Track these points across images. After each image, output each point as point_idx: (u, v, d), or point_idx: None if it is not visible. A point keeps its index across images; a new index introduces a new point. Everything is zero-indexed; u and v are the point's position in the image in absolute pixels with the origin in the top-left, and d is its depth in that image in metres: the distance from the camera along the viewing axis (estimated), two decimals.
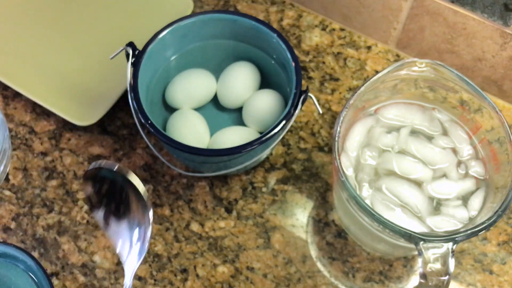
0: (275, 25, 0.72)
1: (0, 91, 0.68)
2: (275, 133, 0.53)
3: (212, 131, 0.61)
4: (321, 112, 0.56)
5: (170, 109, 0.63)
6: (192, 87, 0.61)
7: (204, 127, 0.60)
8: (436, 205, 0.52)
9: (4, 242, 0.51)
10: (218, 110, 0.64)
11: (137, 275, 0.58)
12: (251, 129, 0.60)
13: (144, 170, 0.63)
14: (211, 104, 0.64)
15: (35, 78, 0.66)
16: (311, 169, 0.63)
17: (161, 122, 0.62)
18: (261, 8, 0.73)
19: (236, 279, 0.58)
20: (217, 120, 0.63)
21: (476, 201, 0.52)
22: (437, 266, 0.45)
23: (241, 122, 0.62)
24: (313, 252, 0.59)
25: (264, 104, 0.59)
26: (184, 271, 0.58)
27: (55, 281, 0.58)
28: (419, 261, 0.45)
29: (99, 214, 0.53)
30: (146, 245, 0.51)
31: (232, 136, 0.59)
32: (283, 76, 0.61)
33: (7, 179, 0.63)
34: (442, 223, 0.51)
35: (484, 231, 0.46)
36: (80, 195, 0.62)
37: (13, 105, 0.67)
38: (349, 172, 0.53)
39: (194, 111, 0.61)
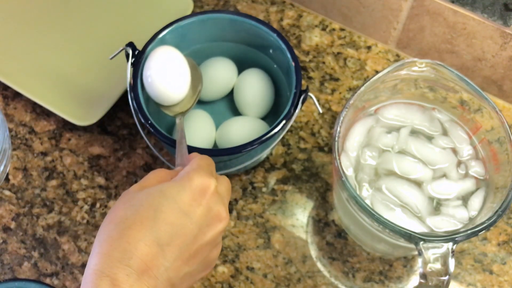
0: (275, 25, 0.72)
1: (0, 91, 0.68)
2: (275, 133, 0.53)
3: (219, 121, 0.62)
4: (321, 111, 0.56)
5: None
6: (214, 76, 0.62)
7: (210, 125, 0.60)
8: (436, 205, 0.52)
9: (40, 281, 0.52)
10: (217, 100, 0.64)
11: None
12: (251, 118, 0.61)
13: (144, 170, 0.63)
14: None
15: (35, 78, 0.66)
16: (311, 169, 0.63)
17: (164, 123, 0.62)
18: (261, 8, 0.73)
19: (236, 279, 0.58)
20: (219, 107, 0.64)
21: (476, 201, 0.52)
22: (437, 266, 0.45)
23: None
24: (313, 252, 0.59)
25: (251, 89, 0.61)
26: None
27: (55, 281, 0.58)
28: (419, 261, 0.45)
29: None
30: None
31: (238, 129, 0.59)
32: (282, 76, 0.61)
33: (7, 179, 0.63)
34: (442, 223, 0.51)
35: (484, 231, 0.46)
36: (80, 195, 0.62)
37: (13, 105, 0.67)
38: (349, 172, 0.53)
39: (201, 111, 0.61)
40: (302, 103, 0.55)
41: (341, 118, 0.51)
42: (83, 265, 0.58)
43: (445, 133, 0.56)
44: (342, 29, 0.72)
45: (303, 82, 0.68)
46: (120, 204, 0.41)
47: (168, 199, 0.40)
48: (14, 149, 0.64)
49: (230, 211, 0.61)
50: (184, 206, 0.40)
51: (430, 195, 0.53)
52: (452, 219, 0.51)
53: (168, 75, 0.55)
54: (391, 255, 0.59)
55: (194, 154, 0.47)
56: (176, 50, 0.56)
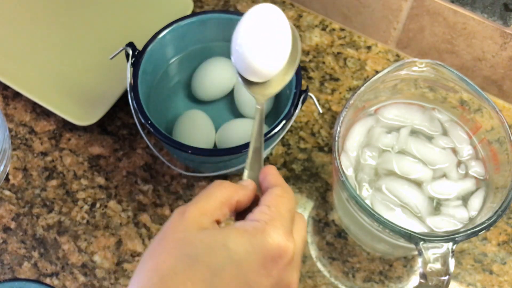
0: None
1: (0, 91, 0.68)
2: (275, 133, 0.53)
3: (219, 121, 0.62)
4: (321, 111, 0.56)
5: (175, 110, 0.63)
6: (215, 76, 0.62)
7: (209, 126, 0.61)
8: (436, 205, 0.52)
9: (40, 282, 0.52)
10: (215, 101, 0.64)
11: None
12: (252, 120, 0.61)
13: (144, 170, 0.63)
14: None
15: (35, 78, 0.66)
16: (311, 169, 0.63)
17: (164, 123, 0.62)
18: None
19: None
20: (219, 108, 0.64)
21: (476, 201, 0.52)
22: (437, 266, 0.45)
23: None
24: (313, 252, 0.59)
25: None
26: None
27: (55, 281, 0.58)
28: (419, 261, 0.45)
29: None
30: None
31: (238, 130, 0.59)
32: None
33: (7, 179, 0.63)
34: (442, 223, 0.51)
35: (484, 231, 0.46)
36: (80, 195, 0.62)
37: (13, 105, 0.67)
38: (349, 172, 0.53)
39: (200, 111, 0.61)
40: (302, 103, 0.55)
41: (341, 118, 0.51)
42: (83, 265, 0.58)
43: (445, 133, 0.56)
44: (342, 29, 0.72)
45: (303, 82, 0.68)
46: (170, 244, 0.33)
47: (232, 261, 0.32)
48: (14, 149, 0.64)
49: None
50: (250, 275, 0.33)
51: (430, 195, 0.53)
52: (452, 219, 0.51)
53: (264, 41, 0.44)
54: (391, 255, 0.59)
55: (273, 176, 0.38)
56: (279, 9, 0.45)
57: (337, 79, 0.68)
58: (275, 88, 0.46)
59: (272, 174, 0.38)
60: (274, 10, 0.45)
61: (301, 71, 0.56)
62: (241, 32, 0.45)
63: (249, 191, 0.38)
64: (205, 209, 0.35)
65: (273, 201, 0.36)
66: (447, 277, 0.45)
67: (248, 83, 0.46)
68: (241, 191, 0.37)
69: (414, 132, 0.56)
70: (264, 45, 0.44)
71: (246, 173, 0.40)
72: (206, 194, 0.36)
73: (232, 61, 0.46)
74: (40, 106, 0.66)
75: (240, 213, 0.39)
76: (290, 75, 0.46)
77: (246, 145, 0.53)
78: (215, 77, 0.62)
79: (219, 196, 0.36)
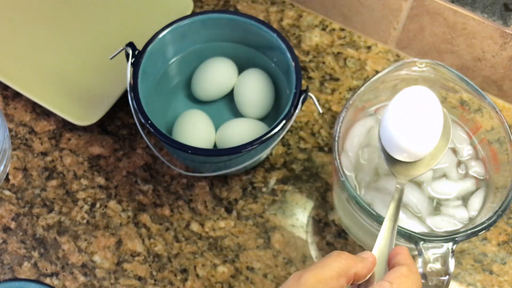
0: (275, 25, 0.72)
1: (0, 91, 0.68)
2: (275, 133, 0.53)
3: (219, 121, 0.62)
4: (321, 111, 0.56)
5: (175, 110, 0.63)
6: (215, 77, 0.62)
7: (209, 126, 0.61)
8: (436, 205, 0.52)
9: (40, 282, 0.52)
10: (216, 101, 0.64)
11: (137, 275, 0.58)
12: (252, 120, 0.61)
13: (144, 170, 0.63)
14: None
15: (35, 78, 0.66)
16: (311, 169, 0.63)
17: (165, 123, 0.62)
18: (261, 8, 0.73)
19: (236, 279, 0.58)
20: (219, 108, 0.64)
21: (476, 201, 0.52)
22: (437, 266, 0.45)
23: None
24: (313, 252, 0.59)
25: (251, 89, 0.61)
26: (184, 271, 0.58)
27: (55, 281, 0.58)
28: (419, 261, 0.45)
29: None
30: None
31: (237, 130, 0.59)
32: (282, 76, 0.61)
33: (7, 179, 0.63)
34: (442, 223, 0.51)
35: (484, 231, 0.46)
36: (80, 195, 0.62)
37: (13, 105, 0.67)
38: (349, 172, 0.53)
39: (199, 111, 0.61)
40: (302, 103, 0.55)
41: (341, 118, 0.51)
42: (83, 265, 0.58)
43: None
44: (342, 29, 0.72)
45: (303, 82, 0.68)
46: None
47: None
48: (14, 149, 0.64)
49: (230, 211, 0.61)
50: None
51: (430, 195, 0.53)
52: (452, 219, 0.51)
53: (419, 123, 0.46)
54: None
55: (403, 255, 0.38)
56: (432, 92, 0.48)
57: (337, 79, 0.68)
58: (419, 170, 0.47)
59: (403, 254, 0.38)
60: (428, 93, 0.47)
61: (301, 71, 0.56)
62: (395, 112, 0.47)
63: (368, 263, 0.38)
64: (321, 277, 0.35)
65: (396, 279, 0.35)
66: (447, 277, 0.45)
67: (392, 161, 0.48)
68: (360, 263, 0.37)
69: None
70: (418, 127, 0.46)
71: (374, 250, 0.41)
72: (323, 262, 0.36)
73: (378, 138, 0.49)
74: (40, 106, 0.66)
75: (358, 286, 0.39)
76: (437, 159, 0.48)
77: (246, 145, 0.53)
78: (215, 77, 0.62)
79: (336, 266, 0.36)
